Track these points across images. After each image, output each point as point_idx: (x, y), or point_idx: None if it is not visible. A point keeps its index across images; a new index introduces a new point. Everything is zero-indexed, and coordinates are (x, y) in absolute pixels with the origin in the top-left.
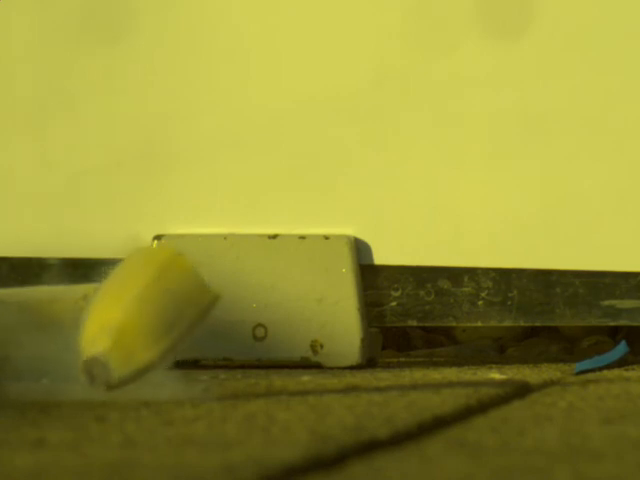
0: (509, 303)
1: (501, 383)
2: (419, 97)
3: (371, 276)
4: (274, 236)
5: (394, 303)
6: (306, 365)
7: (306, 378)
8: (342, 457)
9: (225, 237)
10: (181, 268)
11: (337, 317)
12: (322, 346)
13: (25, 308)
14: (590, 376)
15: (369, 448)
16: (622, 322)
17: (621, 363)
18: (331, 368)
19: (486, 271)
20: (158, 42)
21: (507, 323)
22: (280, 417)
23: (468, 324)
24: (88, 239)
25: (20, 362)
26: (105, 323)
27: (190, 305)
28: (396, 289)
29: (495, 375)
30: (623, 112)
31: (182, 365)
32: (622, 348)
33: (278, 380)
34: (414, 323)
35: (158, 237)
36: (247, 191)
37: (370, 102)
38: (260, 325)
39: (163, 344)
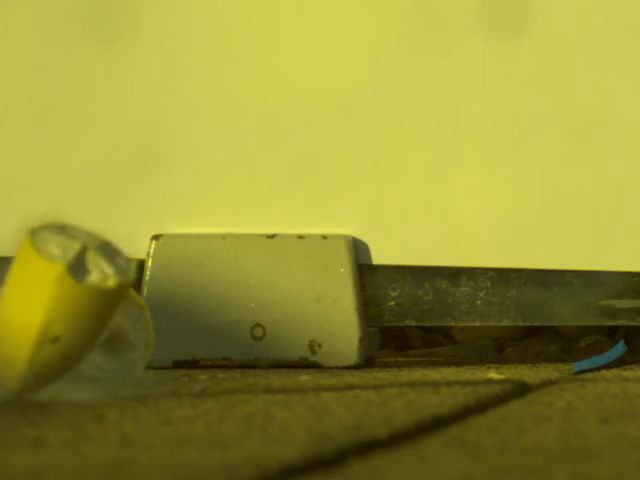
0: (507, 303)
1: (499, 383)
2: (419, 97)
3: (369, 276)
4: (272, 236)
5: (392, 303)
6: (304, 365)
7: (304, 378)
8: (341, 456)
9: (224, 237)
10: (28, 252)
11: (335, 317)
12: (320, 346)
13: None
14: (588, 376)
15: (368, 448)
16: (620, 322)
17: (619, 363)
18: (329, 368)
19: (484, 271)
20: (158, 42)
21: (505, 323)
22: (278, 417)
23: (466, 324)
24: None
25: None
26: None
27: (41, 287)
28: (394, 289)
29: (493, 375)
30: (622, 112)
31: (181, 365)
32: (620, 348)
33: (277, 380)
34: (412, 323)
35: (157, 237)
36: (246, 191)
37: (369, 102)
38: (258, 325)
39: (30, 342)
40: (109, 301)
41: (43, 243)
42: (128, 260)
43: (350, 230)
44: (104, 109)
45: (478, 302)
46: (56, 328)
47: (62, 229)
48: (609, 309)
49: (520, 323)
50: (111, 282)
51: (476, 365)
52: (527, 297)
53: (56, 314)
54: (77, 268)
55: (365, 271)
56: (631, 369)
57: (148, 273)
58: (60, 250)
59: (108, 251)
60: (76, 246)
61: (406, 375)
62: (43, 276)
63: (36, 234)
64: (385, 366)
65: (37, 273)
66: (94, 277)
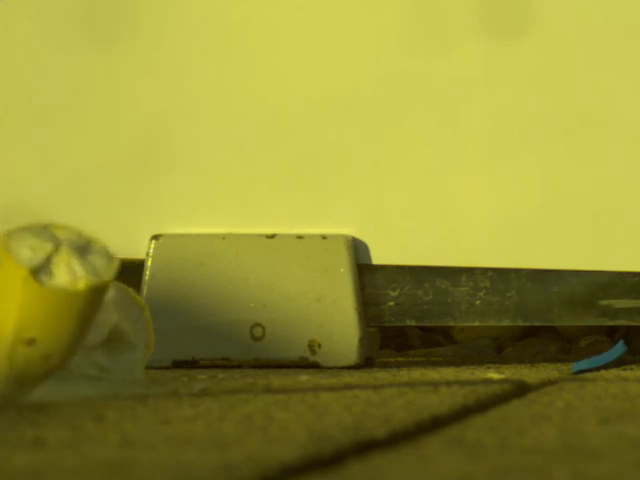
0: (507, 303)
1: (499, 382)
2: (419, 97)
3: (369, 276)
4: (272, 236)
5: (392, 303)
6: (304, 365)
7: (304, 378)
8: (340, 456)
9: (223, 237)
10: (2, 253)
11: (335, 317)
12: (320, 346)
13: None
14: (588, 376)
15: (367, 448)
16: (620, 322)
17: (619, 363)
18: (329, 368)
19: (484, 271)
20: (158, 42)
21: (505, 323)
22: (278, 416)
23: (466, 324)
24: None
25: None
26: None
27: (12, 290)
28: (394, 289)
29: (493, 375)
30: (622, 112)
31: (180, 365)
32: (620, 348)
33: (276, 380)
34: (412, 323)
35: (156, 237)
36: (245, 191)
37: (369, 102)
38: (258, 325)
39: (7, 344)
40: (84, 302)
41: (17, 244)
42: (110, 260)
43: (350, 230)
44: (104, 109)
45: (478, 302)
46: (29, 330)
47: (44, 229)
48: (609, 309)
49: (520, 323)
50: (81, 284)
51: (475, 365)
52: (527, 297)
53: (27, 316)
54: (45, 270)
55: (365, 271)
56: (631, 369)
57: (148, 273)
58: (31, 252)
59: (88, 251)
60: (48, 247)
61: (405, 375)
62: (13, 278)
63: (12, 235)
64: (385, 366)
65: (8, 275)
66: (62, 279)
